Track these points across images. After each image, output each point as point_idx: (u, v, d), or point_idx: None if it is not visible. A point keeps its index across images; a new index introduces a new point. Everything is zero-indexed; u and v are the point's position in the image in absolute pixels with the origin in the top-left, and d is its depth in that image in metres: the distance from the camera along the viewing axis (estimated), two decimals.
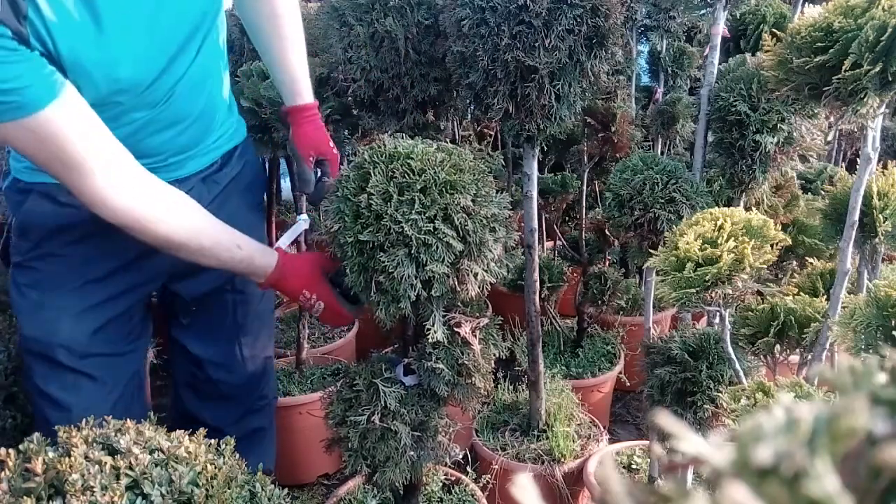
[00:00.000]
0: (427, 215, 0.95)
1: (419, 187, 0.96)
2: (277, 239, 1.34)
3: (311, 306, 1.19)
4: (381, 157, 1.00)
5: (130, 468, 0.75)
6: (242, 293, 1.42)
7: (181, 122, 1.20)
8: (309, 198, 1.42)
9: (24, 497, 0.70)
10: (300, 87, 1.34)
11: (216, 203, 1.29)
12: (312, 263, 1.20)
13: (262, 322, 1.51)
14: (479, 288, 1.03)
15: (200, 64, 1.18)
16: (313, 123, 1.36)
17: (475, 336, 1.09)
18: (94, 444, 0.79)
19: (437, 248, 0.96)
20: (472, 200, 0.99)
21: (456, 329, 1.08)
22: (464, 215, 0.97)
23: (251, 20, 1.35)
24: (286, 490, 0.90)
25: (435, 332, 1.04)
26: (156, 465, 0.77)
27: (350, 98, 1.64)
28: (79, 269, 1.19)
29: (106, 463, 0.75)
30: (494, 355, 1.16)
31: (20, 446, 0.79)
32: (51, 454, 0.76)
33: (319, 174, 1.38)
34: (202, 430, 0.89)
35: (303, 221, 1.70)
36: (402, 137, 1.05)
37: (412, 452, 1.15)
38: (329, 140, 1.38)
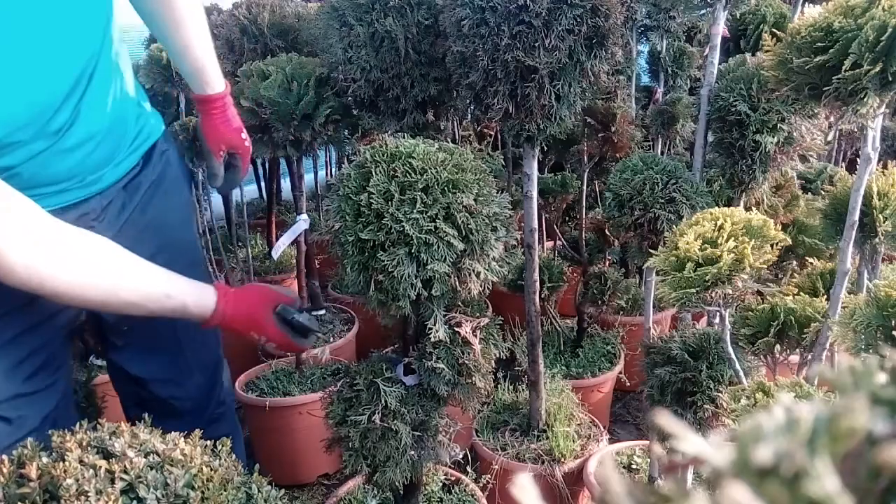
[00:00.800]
0: (428, 214, 0.95)
1: (421, 186, 0.96)
2: (277, 239, 1.34)
3: (263, 343, 1.14)
4: (383, 156, 1.00)
5: (125, 472, 0.75)
6: None
7: (91, 139, 1.09)
8: (219, 190, 1.40)
9: (20, 503, 0.70)
10: (207, 76, 1.25)
11: (140, 207, 1.21)
12: (257, 301, 1.12)
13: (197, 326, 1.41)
14: (480, 287, 1.03)
15: (101, 76, 1.07)
16: (222, 115, 1.28)
17: (475, 336, 1.09)
18: (89, 448, 0.79)
19: (439, 247, 0.96)
20: (474, 199, 0.99)
21: (456, 329, 1.08)
22: (466, 214, 0.97)
23: (144, 9, 1.23)
24: (283, 490, 0.90)
25: (436, 331, 1.04)
26: (151, 469, 0.77)
27: (350, 98, 1.64)
28: None
29: (100, 467, 0.75)
30: (494, 355, 1.16)
31: (14, 452, 0.78)
32: (45, 459, 0.76)
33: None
34: (197, 432, 0.89)
35: (303, 221, 1.69)
36: (404, 137, 1.05)
37: (412, 452, 1.15)
38: (241, 130, 1.31)
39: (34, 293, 0.90)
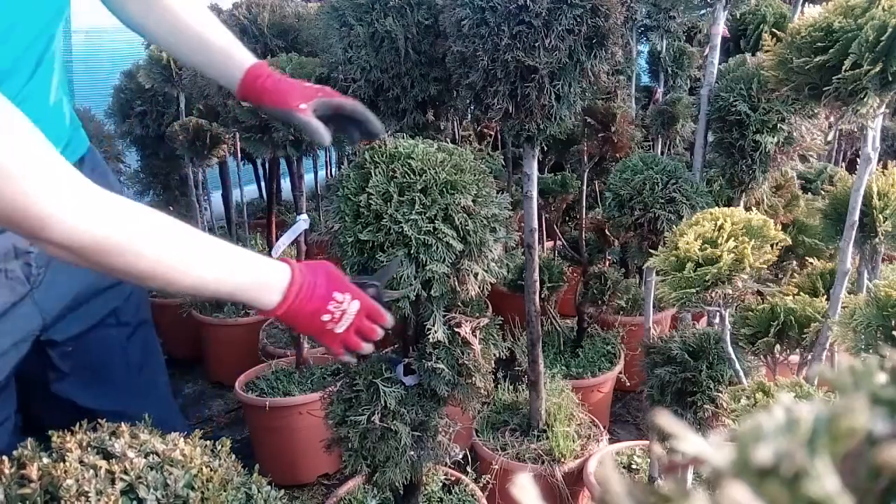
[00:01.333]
0: (427, 215, 0.95)
1: (419, 187, 0.96)
2: (277, 239, 1.33)
3: (339, 317, 0.93)
4: (382, 157, 1.00)
5: (125, 472, 0.75)
6: (127, 325, 1.21)
7: (45, 127, 1.00)
8: (352, 139, 1.11)
9: None
10: (236, 52, 1.12)
11: None
12: (331, 265, 0.97)
13: (150, 351, 1.28)
14: (479, 288, 1.03)
15: (48, 65, 0.98)
16: (275, 81, 1.10)
17: (475, 336, 1.09)
18: (89, 449, 0.79)
19: (437, 248, 0.96)
20: (473, 200, 0.99)
21: (456, 329, 1.08)
22: (464, 215, 0.97)
23: (144, 24, 1.12)
24: (283, 491, 0.90)
25: (435, 331, 1.04)
26: (151, 469, 0.77)
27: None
28: None
29: (101, 467, 0.75)
30: (494, 355, 1.16)
31: (14, 452, 0.78)
32: (45, 460, 0.76)
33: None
34: (197, 432, 0.88)
35: (303, 221, 1.69)
36: (403, 137, 1.05)
37: (412, 452, 1.15)
38: (304, 83, 1.12)
39: (94, 257, 0.78)
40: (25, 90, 0.94)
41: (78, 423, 0.83)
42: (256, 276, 0.88)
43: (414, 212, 0.95)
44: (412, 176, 0.96)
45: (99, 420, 1.07)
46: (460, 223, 0.97)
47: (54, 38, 0.99)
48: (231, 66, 1.10)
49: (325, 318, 0.92)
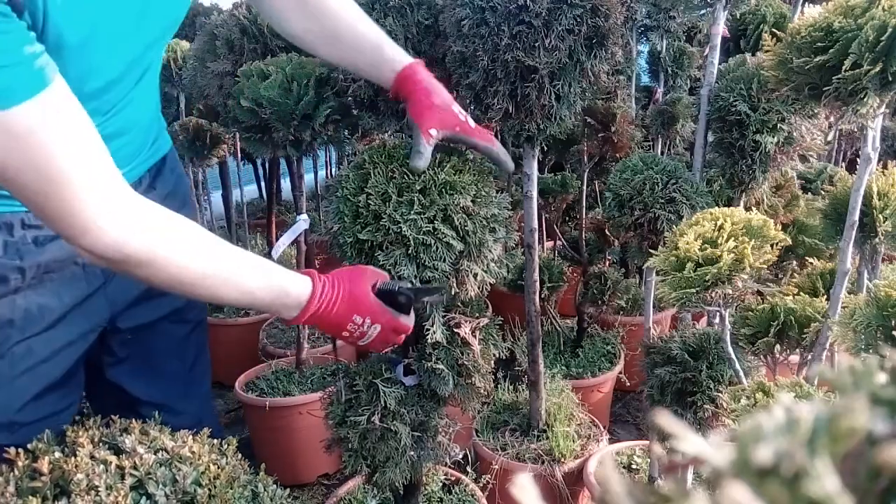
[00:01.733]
0: (426, 216, 0.95)
1: (418, 188, 0.96)
2: (277, 239, 1.32)
3: (360, 335, 0.95)
4: (381, 157, 1.00)
5: (135, 468, 0.76)
6: (188, 323, 1.26)
7: (126, 133, 1.03)
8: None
9: (30, 497, 0.70)
10: (388, 50, 1.08)
11: None
12: (356, 276, 0.95)
13: (201, 351, 1.33)
14: (478, 288, 1.03)
15: (153, 71, 1.04)
16: (426, 89, 1.05)
17: (475, 336, 1.09)
18: (100, 444, 0.79)
19: (437, 248, 0.96)
20: (472, 201, 0.99)
21: (455, 329, 1.08)
22: (463, 216, 0.97)
23: (297, 28, 1.12)
24: (288, 490, 0.90)
25: (434, 332, 1.04)
26: (160, 465, 0.78)
27: (350, 98, 1.64)
28: (5, 329, 0.97)
29: (111, 463, 0.75)
30: (494, 355, 1.16)
31: (29, 445, 0.79)
32: (57, 454, 0.77)
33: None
34: (206, 430, 0.89)
35: (303, 221, 1.69)
36: (402, 138, 1.05)
37: (412, 452, 1.15)
38: (451, 104, 1.06)
39: (129, 267, 0.81)
40: (132, 94, 0.99)
41: (92, 420, 0.84)
42: (277, 295, 0.90)
43: (413, 212, 0.95)
44: (411, 176, 0.96)
45: (138, 410, 1.15)
46: (459, 223, 0.97)
47: (165, 44, 1.03)
48: (384, 65, 1.08)
49: (345, 333, 0.94)
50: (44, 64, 0.73)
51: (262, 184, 3.47)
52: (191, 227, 0.86)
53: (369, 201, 0.96)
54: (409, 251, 0.96)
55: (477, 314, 1.13)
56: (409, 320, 0.97)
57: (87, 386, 1.17)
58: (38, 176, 0.72)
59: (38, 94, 0.71)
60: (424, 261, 0.96)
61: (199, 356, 1.31)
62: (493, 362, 1.16)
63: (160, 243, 0.81)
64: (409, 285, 0.97)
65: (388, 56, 1.08)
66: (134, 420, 0.85)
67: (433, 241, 0.95)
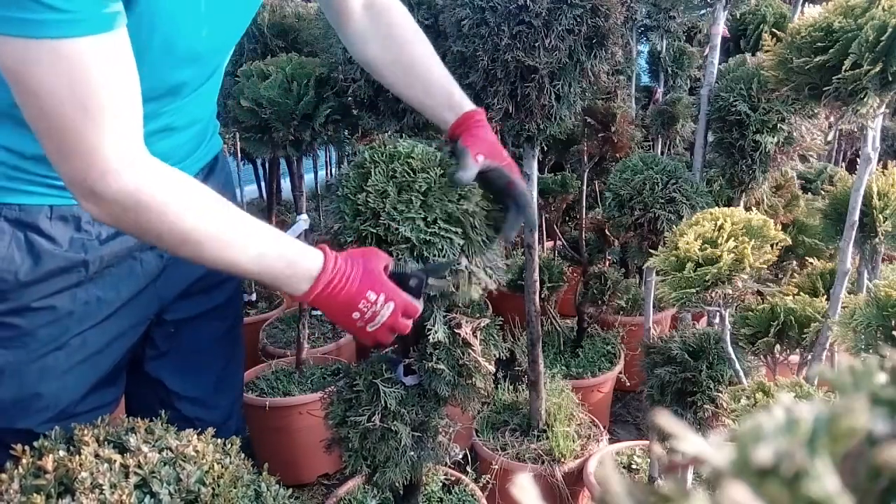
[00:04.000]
0: (427, 215, 0.95)
1: (419, 187, 0.96)
2: None
3: (371, 317, 0.91)
4: (382, 156, 1.00)
5: (139, 467, 0.76)
6: (227, 320, 1.28)
7: (190, 127, 1.07)
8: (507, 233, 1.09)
9: (34, 494, 0.70)
10: (457, 93, 1.13)
11: None
12: (370, 254, 0.93)
13: (238, 347, 1.35)
14: (482, 290, 1.03)
15: (221, 69, 1.08)
16: (485, 128, 1.11)
17: (475, 337, 1.09)
18: (105, 443, 0.80)
19: (440, 245, 0.96)
20: (475, 203, 0.99)
21: (456, 330, 1.08)
22: (465, 213, 0.97)
23: (377, 63, 1.15)
24: (291, 490, 0.90)
25: (436, 332, 1.04)
26: (164, 464, 0.78)
27: (350, 98, 1.64)
28: (64, 320, 0.99)
29: (115, 461, 0.76)
30: (494, 356, 1.16)
31: (35, 443, 0.80)
32: (62, 452, 0.77)
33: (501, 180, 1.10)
34: (210, 430, 0.89)
35: (303, 221, 1.70)
36: (403, 137, 1.05)
37: (412, 453, 1.15)
38: (498, 143, 1.13)
39: (137, 220, 0.81)
40: (198, 91, 1.02)
41: (100, 419, 0.84)
42: (289, 263, 0.88)
43: (413, 211, 0.95)
44: (412, 175, 0.96)
45: (174, 404, 1.19)
46: (461, 221, 0.97)
47: (235, 43, 1.05)
48: (451, 108, 1.11)
49: (356, 315, 0.90)
50: (115, 11, 0.75)
51: (262, 184, 3.47)
52: (205, 188, 0.85)
53: (368, 199, 0.96)
54: (413, 250, 0.96)
55: (477, 314, 1.13)
56: (419, 303, 0.95)
57: (127, 382, 1.18)
58: (75, 104, 0.73)
59: (100, 34, 0.73)
60: (427, 258, 0.96)
61: (236, 351, 1.34)
62: (493, 362, 1.16)
63: (175, 195, 0.81)
64: (419, 268, 0.96)
65: (457, 101, 1.11)
66: (139, 419, 0.85)
67: (435, 240, 0.96)
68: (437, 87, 1.11)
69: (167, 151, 0.96)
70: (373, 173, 0.97)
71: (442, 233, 0.95)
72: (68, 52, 0.72)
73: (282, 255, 0.87)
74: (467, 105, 1.11)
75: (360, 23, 1.13)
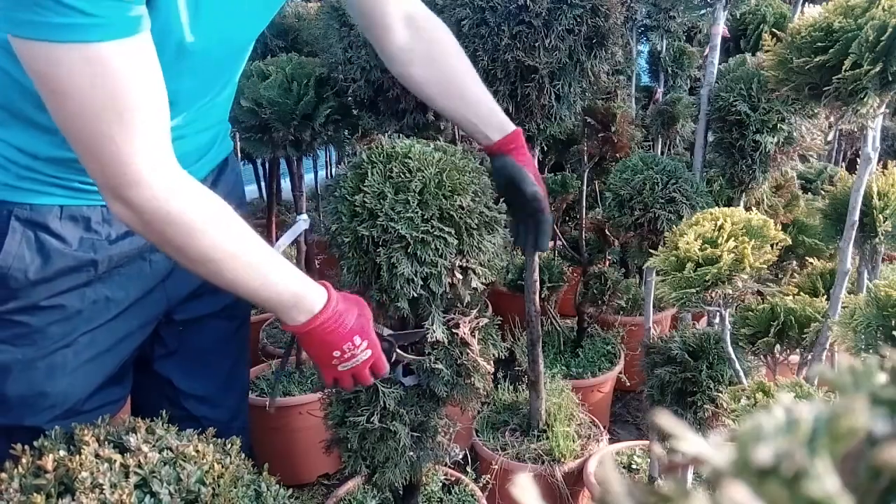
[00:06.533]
0: (424, 214, 0.95)
1: (416, 187, 0.96)
2: (277, 239, 1.32)
3: (349, 358, 0.95)
4: (379, 156, 1.00)
5: (140, 466, 0.76)
6: (236, 320, 1.29)
7: (210, 128, 1.08)
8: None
9: (34, 494, 0.70)
10: (499, 112, 1.17)
11: None
12: (363, 304, 0.98)
13: (244, 347, 1.37)
14: (480, 286, 1.03)
15: (239, 71, 1.09)
16: (525, 152, 1.16)
17: (474, 336, 1.09)
18: (106, 443, 0.80)
19: (437, 246, 0.96)
20: (471, 199, 0.99)
21: (455, 329, 1.08)
22: (461, 213, 0.97)
23: (416, 79, 1.16)
24: (291, 490, 0.90)
25: (435, 331, 1.04)
26: (164, 464, 0.78)
27: (350, 98, 1.64)
28: (73, 319, 1.00)
29: (115, 461, 0.76)
30: (494, 355, 1.16)
31: (35, 443, 0.80)
32: (62, 451, 0.77)
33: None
34: (210, 430, 0.89)
35: (302, 221, 1.70)
36: (400, 137, 1.05)
37: (412, 453, 1.15)
38: (535, 168, 1.21)
39: (158, 232, 0.82)
40: (214, 102, 1.04)
41: (100, 418, 0.84)
42: (294, 294, 0.90)
43: (410, 210, 0.95)
44: (409, 175, 0.96)
45: (181, 403, 1.21)
46: (457, 221, 0.97)
47: (251, 44, 1.07)
48: (496, 127, 1.15)
49: (336, 353, 0.93)
50: (139, 14, 0.75)
51: (262, 184, 3.47)
52: (228, 209, 0.87)
53: (365, 199, 0.96)
54: (408, 249, 0.96)
55: (477, 314, 1.13)
56: (387, 365, 1.00)
57: (134, 381, 1.19)
58: (105, 107, 0.74)
59: (127, 38, 0.74)
60: (423, 258, 0.96)
61: (243, 351, 1.35)
62: (492, 362, 1.16)
63: (201, 211, 0.83)
64: (390, 332, 1.03)
65: (501, 119, 1.16)
66: (139, 419, 0.85)
67: (431, 239, 0.96)
68: (482, 105, 1.15)
69: (178, 156, 0.96)
70: (370, 174, 0.97)
71: (436, 231, 0.95)
72: (95, 56, 0.72)
73: (290, 286, 0.90)
74: (509, 125, 1.15)
75: (401, 38, 1.13)
